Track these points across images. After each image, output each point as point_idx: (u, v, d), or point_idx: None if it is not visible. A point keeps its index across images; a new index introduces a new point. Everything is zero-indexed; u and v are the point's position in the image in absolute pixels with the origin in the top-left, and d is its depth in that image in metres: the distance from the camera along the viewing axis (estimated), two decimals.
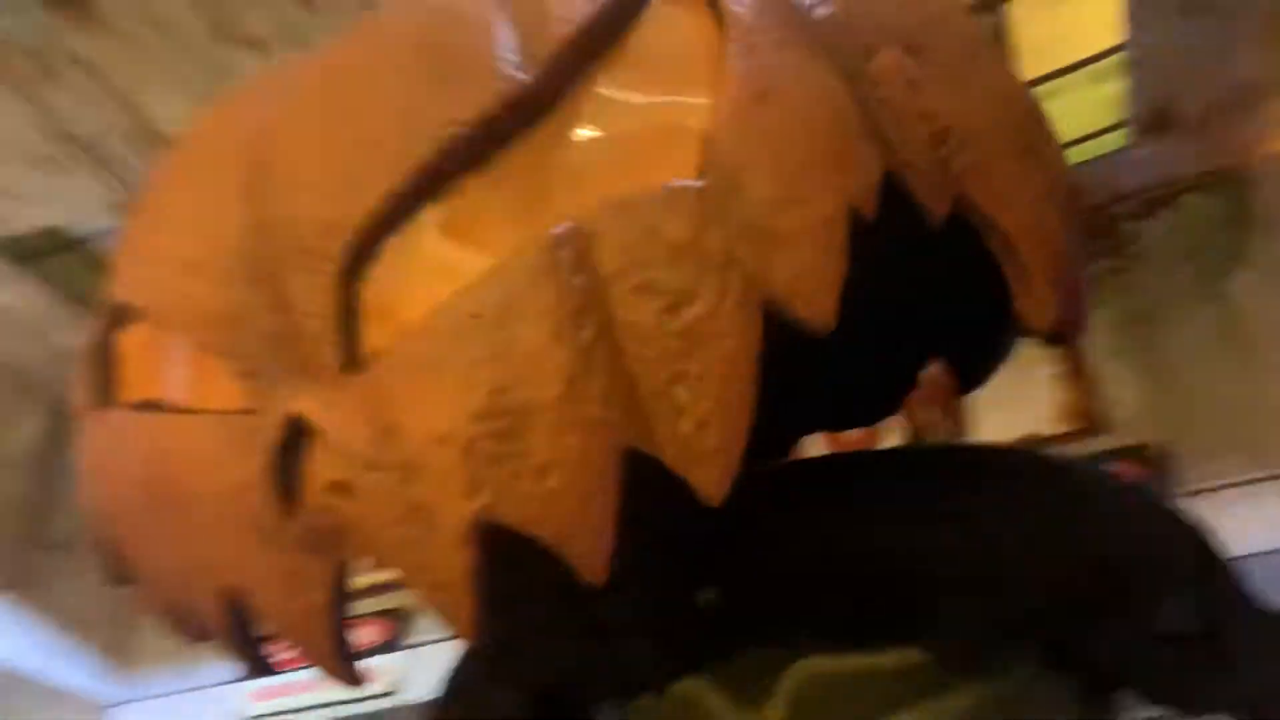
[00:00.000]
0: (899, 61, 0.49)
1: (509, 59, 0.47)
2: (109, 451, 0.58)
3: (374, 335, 0.47)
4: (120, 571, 0.62)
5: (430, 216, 0.47)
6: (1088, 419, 1.85)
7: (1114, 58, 1.95)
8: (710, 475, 0.45)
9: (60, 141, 1.69)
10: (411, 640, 2.23)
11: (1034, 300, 0.51)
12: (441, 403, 0.44)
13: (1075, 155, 1.89)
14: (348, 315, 0.46)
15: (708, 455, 0.45)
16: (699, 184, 0.45)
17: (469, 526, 0.44)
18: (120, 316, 0.64)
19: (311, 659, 0.49)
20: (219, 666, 2.46)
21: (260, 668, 0.53)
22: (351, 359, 0.46)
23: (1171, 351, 1.82)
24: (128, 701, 2.54)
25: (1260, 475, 1.65)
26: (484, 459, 0.44)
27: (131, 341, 0.63)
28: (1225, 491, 1.67)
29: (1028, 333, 0.53)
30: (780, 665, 0.65)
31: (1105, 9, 1.88)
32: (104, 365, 0.63)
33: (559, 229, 0.45)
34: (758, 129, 0.46)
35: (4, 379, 2.40)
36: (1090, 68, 1.92)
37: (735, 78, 0.46)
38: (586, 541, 0.45)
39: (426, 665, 2.19)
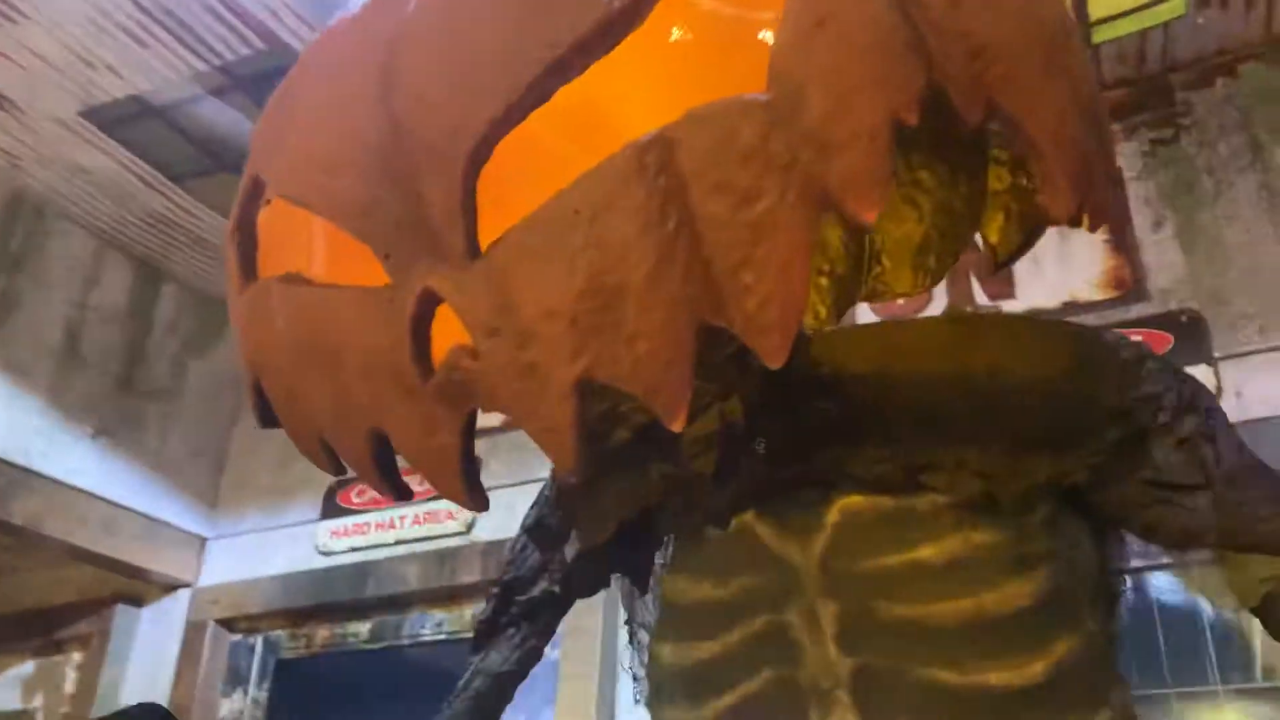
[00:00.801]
0: None
1: None
2: (260, 317, 0.68)
3: (495, 225, 0.56)
4: (270, 415, 0.74)
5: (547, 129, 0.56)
6: (1127, 285, 1.90)
7: None
8: (771, 343, 0.54)
9: (140, 11, 1.77)
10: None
11: (1054, 194, 0.59)
12: (550, 283, 0.53)
13: (1134, 23, 1.86)
14: (469, 207, 0.56)
15: (770, 327, 0.54)
16: (766, 97, 0.53)
17: (573, 383, 0.54)
18: (259, 199, 0.75)
19: (442, 489, 0.60)
20: (301, 507, 2.66)
21: (398, 493, 0.64)
22: (472, 245, 0.56)
23: (1212, 221, 1.84)
24: (223, 536, 2.76)
25: None
26: (586, 329, 0.53)
27: (272, 222, 0.74)
28: (1254, 357, 1.72)
29: (1051, 221, 0.61)
30: (823, 503, 0.76)
31: None
32: (249, 243, 0.74)
33: (650, 135, 0.53)
34: (817, 51, 0.53)
35: (94, 238, 2.54)
36: None
37: (798, 4, 0.54)
38: (669, 396, 0.54)
39: (496, 508, 2.36)
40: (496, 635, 1.02)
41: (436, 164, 0.55)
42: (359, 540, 2.48)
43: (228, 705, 2.56)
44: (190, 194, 2.35)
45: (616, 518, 0.78)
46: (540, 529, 0.97)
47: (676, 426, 0.55)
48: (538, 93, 0.54)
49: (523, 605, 0.99)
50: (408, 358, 0.57)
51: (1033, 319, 0.79)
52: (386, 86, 0.57)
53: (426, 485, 0.62)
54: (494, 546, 2.29)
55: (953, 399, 0.76)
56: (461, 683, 1.02)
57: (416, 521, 2.42)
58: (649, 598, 0.92)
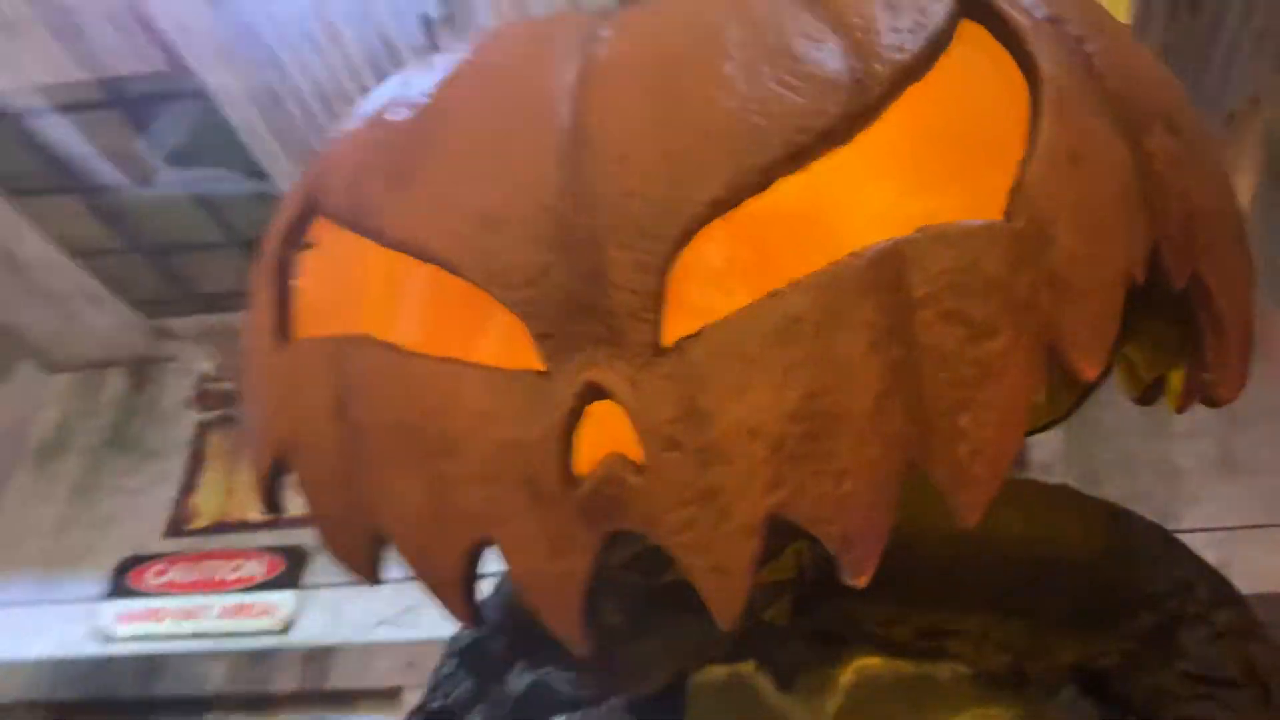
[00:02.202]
0: (1167, 140, 0.54)
1: (851, 75, 0.49)
2: (305, 384, 0.56)
3: (677, 318, 0.48)
4: (276, 501, 0.62)
5: (750, 212, 0.48)
6: None
7: None
8: (972, 499, 0.48)
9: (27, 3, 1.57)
10: (306, 581, 2.19)
11: (1227, 374, 0.57)
12: (757, 398, 0.46)
13: None
14: (662, 296, 0.47)
15: (975, 482, 0.48)
16: (1016, 226, 0.48)
17: (763, 518, 0.46)
18: (301, 239, 0.63)
19: (553, 620, 0.50)
20: (80, 582, 2.35)
21: (473, 620, 0.53)
22: (658, 340, 0.47)
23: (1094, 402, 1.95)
24: None
25: None
26: (789, 457, 0.46)
27: (316, 270, 0.62)
28: None
29: (1206, 399, 0.59)
30: (835, 661, 0.70)
31: None
32: (286, 291, 0.62)
33: (883, 246, 0.47)
34: (1069, 188, 0.49)
35: None
36: None
37: (1051, 135, 0.50)
38: (864, 548, 0.47)
39: (319, 606, 2.16)
40: None
41: (633, 240, 0.47)
42: (152, 628, 2.20)
43: None
44: (26, 214, 2.09)
45: (667, 669, 0.69)
46: (478, 654, 0.86)
47: (861, 583, 0.48)
48: (768, 178, 0.48)
49: None
50: (553, 461, 0.47)
51: (1071, 490, 0.78)
52: (575, 139, 0.49)
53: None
54: (317, 652, 2.08)
55: (979, 563, 0.73)
56: None
57: (224, 614, 2.17)
58: None
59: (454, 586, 0.52)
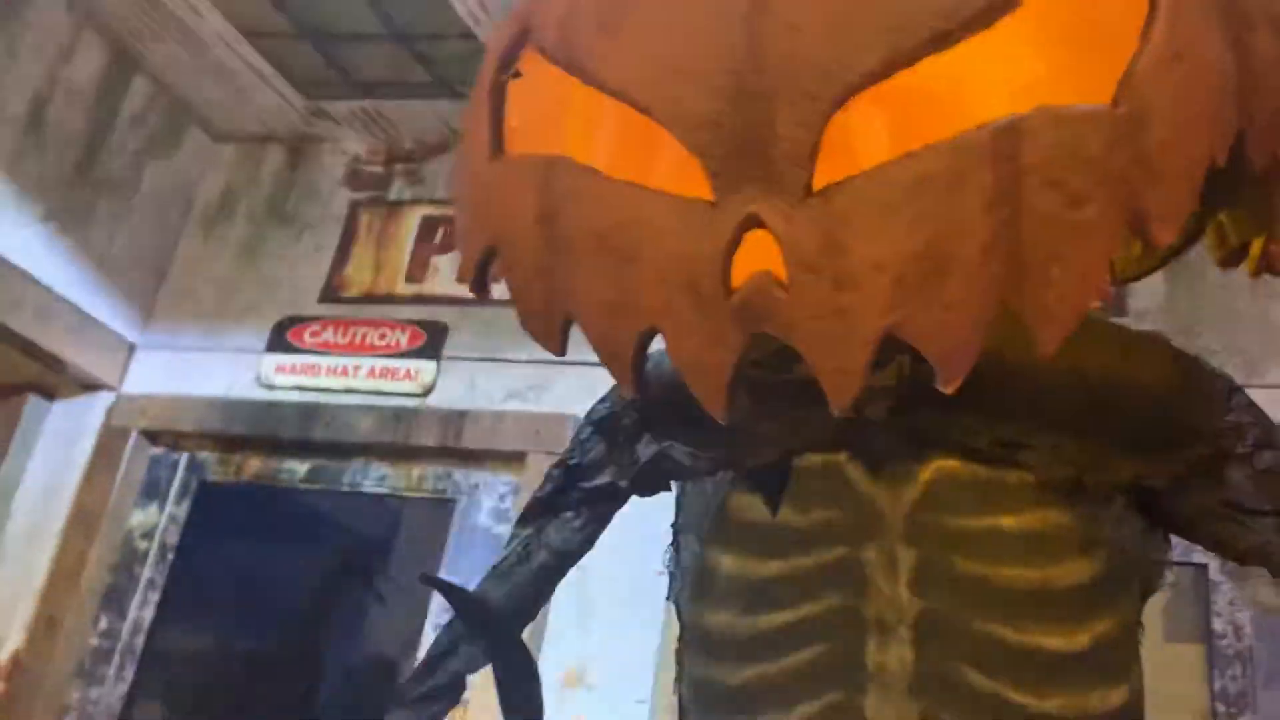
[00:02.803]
0: (1268, 41, 0.61)
1: None
2: (514, 190, 0.70)
3: (826, 167, 0.59)
4: (485, 282, 0.76)
5: (895, 86, 0.59)
6: (1108, 298, 2.02)
7: None
8: (1052, 334, 0.59)
9: None
10: (446, 353, 2.41)
11: None
12: (887, 238, 0.57)
13: None
14: (817, 147, 0.59)
15: (1057, 320, 0.59)
16: (1119, 112, 0.58)
17: (879, 333, 0.58)
18: (513, 65, 0.75)
19: (704, 395, 0.63)
20: (245, 334, 2.61)
21: (637, 388, 0.67)
22: (810, 184, 0.59)
23: (1199, 256, 1.99)
24: (155, 348, 2.67)
25: None
26: (907, 288, 0.57)
27: (526, 95, 0.74)
28: None
29: (1273, 269, 0.69)
30: (919, 459, 0.82)
31: None
32: (500, 111, 0.74)
33: (1005, 121, 0.57)
34: (1170, 82, 0.58)
35: (72, 12, 2.38)
36: None
37: (1160, 35, 0.58)
38: (957, 364, 0.59)
39: (456, 376, 2.39)
40: (550, 515, 1.07)
41: (798, 100, 0.58)
42: (306, 380, 2.46)
43: (140, 516, 2.52)
44: None
45: (783, 445, 0.83)
46: (612, 425, 1.02)
47: (950, 390, 0.60)
48: (915, 57, 0.58)
49: (585, 491, 1.04)
50: (717, 274, 0.60)
51: (1153, 334, 0.87)
52: (754, 6, 0.59)
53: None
54: (453, 415, 2.32)
55: (1062, 389, 0.82)
56: (514, 552, 1.07)
57: (371, 375, 2.41)
58: (693, 503, 0.98)
59: (626, 362, 0.65)
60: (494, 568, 1.09)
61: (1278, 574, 0.85)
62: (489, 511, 2.33)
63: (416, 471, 2.39)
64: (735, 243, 0.60)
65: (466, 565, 2.26)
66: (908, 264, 0.57)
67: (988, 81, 0.60)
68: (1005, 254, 0.58)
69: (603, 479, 1.02)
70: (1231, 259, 0.82)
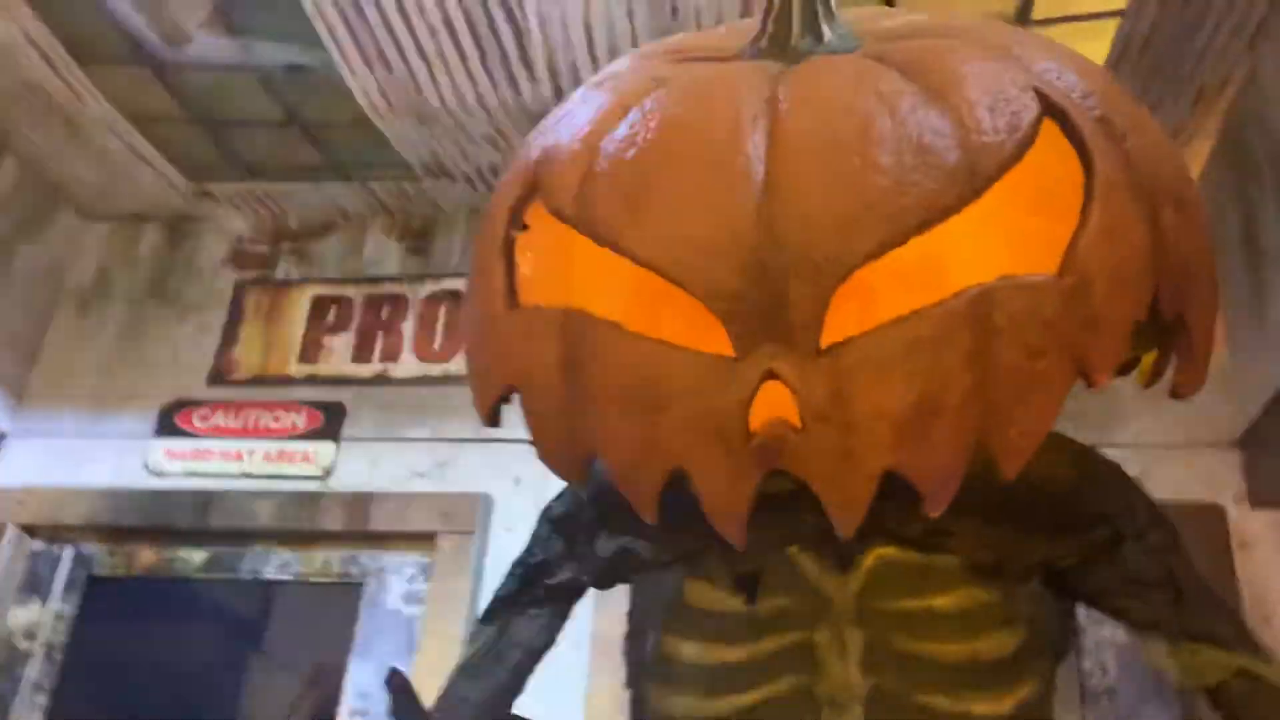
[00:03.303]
0: (1175, 216, 0.75)
1: (967, 167, 0.70)
2: (534, 338, 0.77)
3: (833, 328, 0.69)
4: (496, 414, 0.82)
5: (886, 262, 0.70)
6: None
7: None
8: (1015, 463, 0.70)
9: None
10: (345, 434, 2.41)
11: (1191, 380, 0.80)
12: (886, 391, 0.67)
13: None
14: (824, 314, 0.69)
15: (1019, 452, 0.70)
16: (1068, 282, 0.70)
17: (880, 471, 0.68)
18: (522, 218, 0.82)
19: (723, 524, 0.72)
20: (129, 420, 2.54)
21: (654, 515, 0.75)
22: (818, 344, 0.69)
23: None
24: (30, 435, 2.57)
25: None
26: (904, 433, 0.68)
27: (532, 247, 0.82)
28: None
29: (1171, 392, 0.82)
30: (861, 549, 0.93)
31: None
32: (512, 262, 0.82)
33: (976, 290, 0.69)
34: (1106, 256, 0.71)
35: None
36: None
37: (1096, 216, 0.71)
38: (943, 492, 0.70)
39: (358, 457, 2.39)
40: (515, 611, 1.12)
41: (809, 277, 0.68)
42: (198, 466, 2.41)
43: (23, 615, 2.41)
44: (88, 77, 2.19)
45: (767, 550, 0.92)
46: (569, 523, 1.09)
47: (935, 513, 0.71)
48: (905, 239, 0.69)
49: (549, 588, 1.10)
50: (739, 421, 0.69)
51: (1055, 433, 1.01)
52: (767, 195, 0.69)
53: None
54: (357, 497, 2.32)
55: (980, 486, 0.93)
56: (482, 650, 1.12)
57: (268, 458, 2.39)
58: (648, 593, 1.06)
59: (649, 496, 0.73)
60: (463, 667, 1.13)
61: (1173, 643, 0.98)
62: (399, 594, 2.34)
63: (321, 556, 2.38)
64: (754, 393, 0.70)
65: (379, 648, 2.27)
66: (904, 412, 0.68)
67: (959, 253, 0.71)
68: (980, 400, 0.69)
69: (564, 575, 1.08)
70: (1124, 369, 0.97)
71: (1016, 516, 0.92)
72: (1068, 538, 0.95)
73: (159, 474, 2.45)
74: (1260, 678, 0.93)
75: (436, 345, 2.47)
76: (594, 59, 1.95)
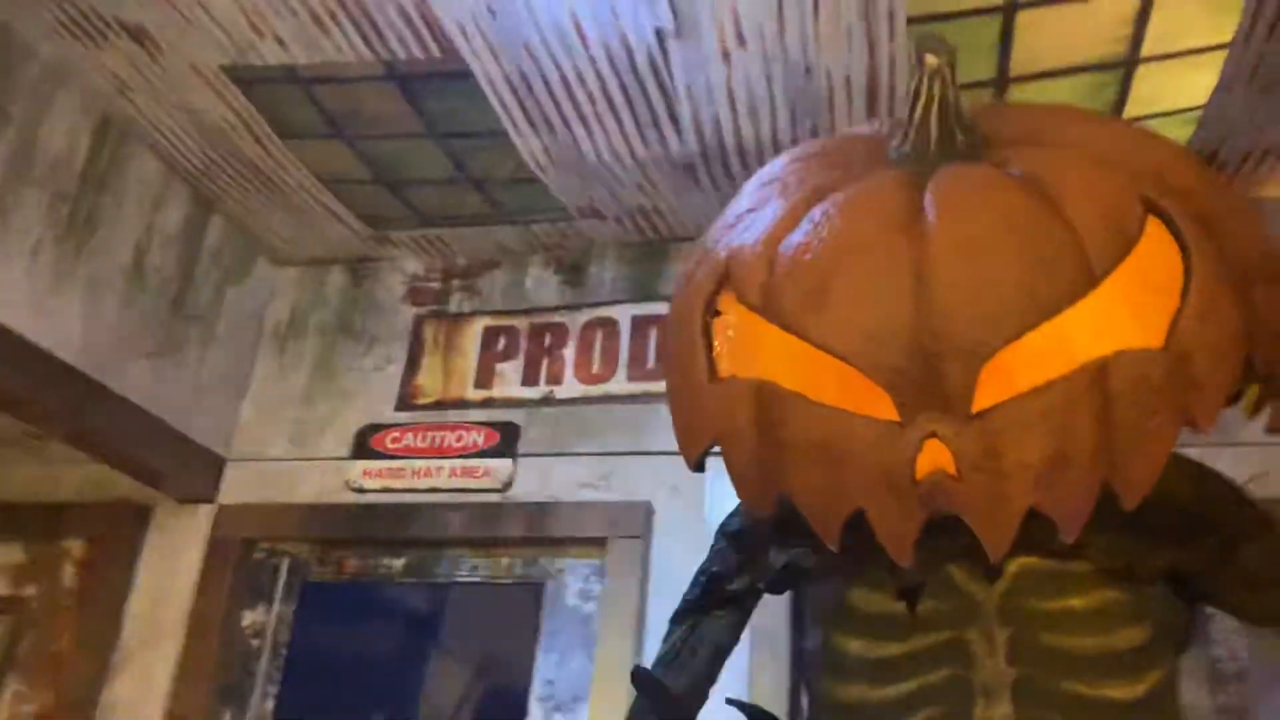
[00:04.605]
0: (1265, 291, 0.91)
1: (1085, 268, 0.87)
2: (734, 404, 0.97)
3: (979, 396, 0.88)
4: (702, 460, 1.03)
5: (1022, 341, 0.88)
6: None
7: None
8: (1134, 498, 0.87)
9: None
10: (520, 450, 2.67)
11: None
12: (1029, 446, 0.84)
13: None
14: (975, 386, 0.87)
15: (1140, 487, 0.87)
16: (1172, 355, 0.87)
17: (1025, 509, 0.86)
18: (713, 308, 1.02)
19: (896, 554, 0.90)
20: (328, 443, 2.85)
21: (838, 544, 0.94)
22: (970, 410, 0.87)
23: None
24: (245, 460, 2.91)
25: None
26: (1043, 479, 0.85)
27: (728, 329, 1.02)
28: None
29: (1274, 430, 0.97)
30: (1007, 559, 1.07)
31: None
32: (709, 341, 1.02)
33: (1098, 362, 0.85)
34: (1203, 331, 0.87)
35: (162, 162, 2.63)
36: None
37: (1194, 298, 0.87)
38: (1077, 522, 0.87)
39: (531, 471, 2.65)
40: (701, 614, 1.31)
41: (960, 358, 0.86)
42: (393, 483, 2.71)
43: (251, 616, 2.76)
44: (290, 150, 2.49)
45: (931, 566, 1.09)
46: (744, 538, 1.27)
47: (1070, 540, 0.88)
48: (1038, 324, 0.86)
49: (729, 593, 1.28)
50: (906, 472, 0.88)
51: (1178, 455, 1.14)
52: (919, 292, 0.86)
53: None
54: (534, 507, 2.59)
55: (1111, 504, 1.05)
56: (675, 647, 1.31)
57: (454, 474, 2.67)
58: (816, 599, 1.24)
59: (834, 528, 0.92)
60: (662, 661, 1.31)
61: None
62: (576, 593, 2.58)
63: (505, 560, 2.65)
64: (918, 450, 0.88)
65: (561, 641, 2.53)
66: (1044, 463, 0.85)
67: (1082, 329, 0.88)
68: (1105, 451, 0.86)
69: (741, 582, 1.23)
70: (1231, 401, 1.11)
71: (1143, 529, 1.03)
72: (1189, 545, 1.08)
73: (359, 490, 2.75)
74: None
75: (595, 368, 2.72)
76: (735, 114, 2.14)
